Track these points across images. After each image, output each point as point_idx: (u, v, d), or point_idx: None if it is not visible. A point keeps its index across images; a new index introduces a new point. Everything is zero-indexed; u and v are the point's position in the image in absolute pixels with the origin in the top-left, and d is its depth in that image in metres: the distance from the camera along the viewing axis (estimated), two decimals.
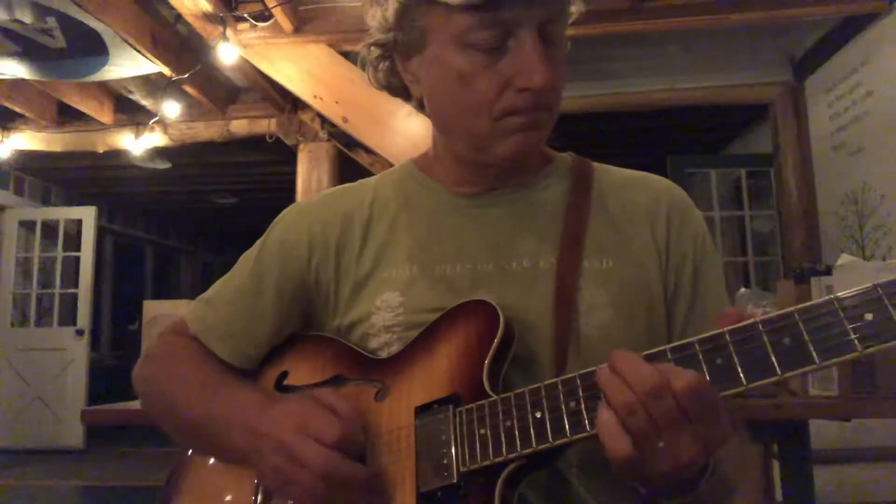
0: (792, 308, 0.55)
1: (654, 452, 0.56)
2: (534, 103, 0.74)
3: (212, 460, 0.86)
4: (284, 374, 0.85)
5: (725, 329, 0.57)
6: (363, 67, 0.87)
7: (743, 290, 2.21)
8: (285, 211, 0.92)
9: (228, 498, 0.81)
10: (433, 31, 0.75)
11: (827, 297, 0.54)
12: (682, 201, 0.86)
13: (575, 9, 0.77)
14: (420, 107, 0.87)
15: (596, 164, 0.89)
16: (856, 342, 0.52)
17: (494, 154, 0.78)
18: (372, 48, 0.84)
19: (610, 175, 0.89)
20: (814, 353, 0.54)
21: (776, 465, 2.24)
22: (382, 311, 0.80)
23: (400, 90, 0.86)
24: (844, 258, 1.91)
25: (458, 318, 0.75)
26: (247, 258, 0.90)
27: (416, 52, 0.79)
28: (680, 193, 0.87)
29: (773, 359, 0.55)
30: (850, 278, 1.75)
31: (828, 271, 1.87)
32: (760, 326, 0.56)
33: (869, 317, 0.52)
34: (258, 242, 0.91)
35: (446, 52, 0.75)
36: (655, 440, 0.56)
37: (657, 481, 0.59)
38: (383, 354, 0.79)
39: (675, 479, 0.58)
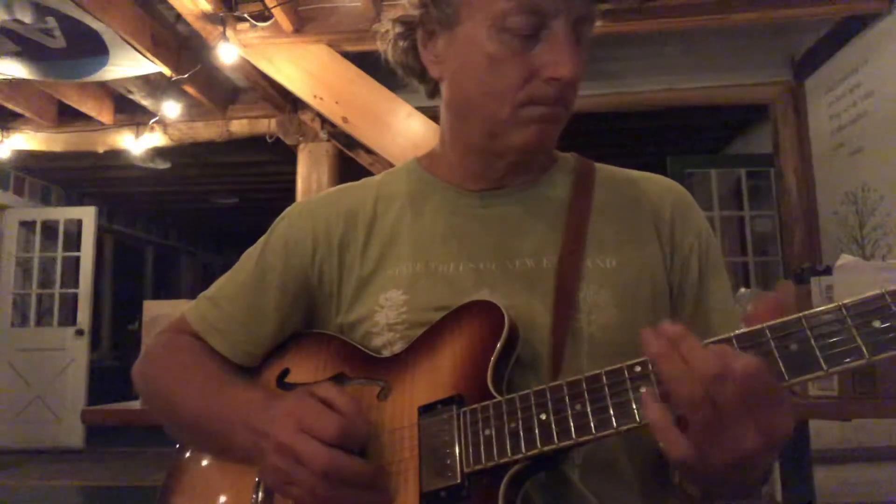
0: (799, 314, 0.55)
1: (716, 444, 0.54)
2: (557, 95, 0.74)
3: (211, 458, 0.86)
4: (286, 373, 0.85)
5: (733, 335, 0.57)
6: (379, 42, 0.87)
7: (743, 290, 2.21)
8: (289, 209, 0.92)
9: (228, 496, 0.80)
10: (469, 9, 0.75)
11: (834, 304, 0.54)
12: (684, 200, 0.86)
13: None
14: (432, 91, 0.87)
15: (598, 164, 0.90)
16: (863, 349, 0.52)
17: (508, 142, 0.78)
18: (396, 24, 0.84)
19: (612, 174, 0.89)
20: (821, 360, 0.53)
21: (776, 465, 2.24)
22: (386, 309, 0.80)
23: (414, 70, 0.86)
24: (844, 258, 1.91)
25: (463, 317, 0.75)
26: (250, 255, 0.90)
27: (445, 29, 0.79)
28: (682, 192, 0.87)
29: (781, 365, 0.55)
30: (850, 278, 1.75)
31: (828, 271, 1.87)
32: (768, 333, 0.56)
33: (877, 324, 0.52)
34: (261, 240, 0.90)
35: (480, 33, 0.75)
36: (718, 431, 0.53)
37: (718, 476, 0.57)
38: (386, 353, 0.79)
39: (738, 472, 0.56)
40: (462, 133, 0.84)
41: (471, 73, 0.77)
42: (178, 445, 0.90)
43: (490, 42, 0.74)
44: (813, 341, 0.54)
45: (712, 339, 0.58)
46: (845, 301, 0.53)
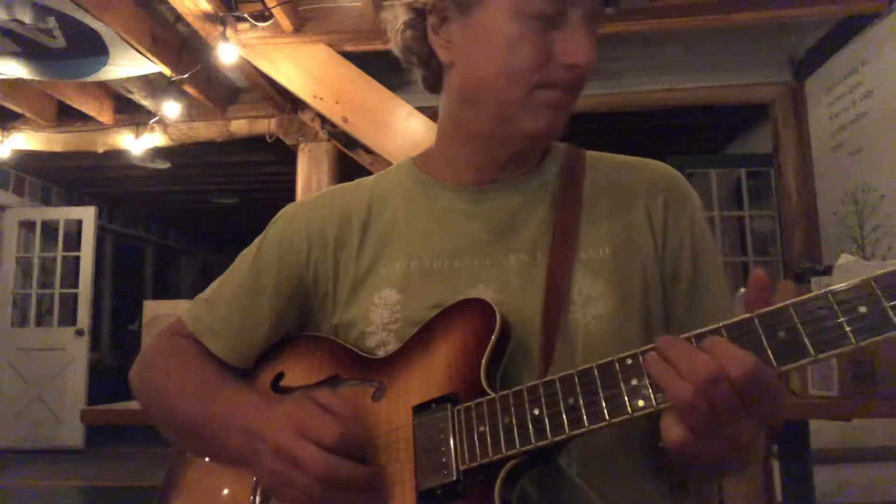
0: (787, 302, 0.55)
1: (714, 437, 0.56)
2: (573, 82, 0.75)
3: (209, 460, 0.86)
4: (281, 376, 0.85)
5: (722, 325, 0.57)
6: (384, 28, 0.86)
7: (743, 290, 2.21)
8: (283, 210, 0.92)
9: (227, 497, 0.81)
10: None
11: (821, 291, 0.55)
12: (679, 184, 0.85)
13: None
14: (433, 83, 0.86)
15: (589, 152, 0.89)
16: (850, 335, 0.52)
17: (520, 127, 0.77)
18: (406, 9, 0.83)
19: (604, 161, 0.88)
20: (809, 347, 0.54)
21: (776, 465, 2.24)
22: (381, 309, 0.80)
23: (421, 57, 0.85)
24: (844, 258, 1.91)
25: (455, 316, 0.75)
26: (244, 257, 0.90)
27: (460, 14, 0.78)
28: (677, 176, 0.86)
29: (770, 352, 0.55)
30: (849, 278, 1.74)
31: (828, 271, 1.87)
32: (756, 320, 0.56)
33: (863, 310, 0.53)
34: (256, 241, 0.90)
35: (499, 17, 0.75)
36: (715, 427, 0.55)
37: (711, 463, 0.59)
38: (380, 353, 0.79)
39: (729, 458, 0.58)
40: (468, 121, 0.82)
41: (487, 54, 0.76)
42: (175, 448, 0.90)
43: (508, 25, 0.74)
44: (801, 328, 0.54)
45: (702, 330, 0.58)
46: (832, 288, 0.54)
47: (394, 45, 0.86)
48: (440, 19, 0.80)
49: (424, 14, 0.82)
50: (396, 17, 0.84)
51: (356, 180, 0.93)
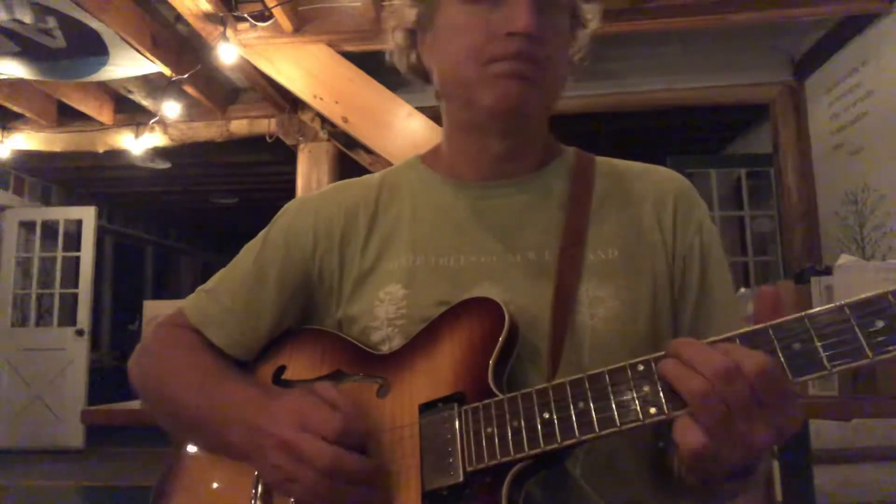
0: (802, 314, 0.55)
1: (728, 440, 0.55)
2: (518, 50, 0.76)
3: (208, 455, 0.84)
4: (282, 369, 0.84)
5: (735, 334, 0.57)
6: (384, 28, 0.90)
7: (743, 290, 2.21)
8: (289, 203, 0.92)
9: (227, 491, 0.80)
10: None
11: (837, 304, 0.54)
12: (687, 192, 0.86)
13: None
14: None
15: (598, 157, 0.90)
16: (866, 349, 0.52)
17: (482, 104, 0.78)
18: (399, 33, 0.88)
19: (613, 166, 0.89)
20: (824, 360, 0.53)
21: (776, 465, 2.24)
22: (386, 304, 0.79)
23: (424, 73, 0.89)
24: (844, 258, 1.91)
25: (462, 314, 0.74)
26: (249, 249, 0.90)
27: (430, 24, 0.84)
28: (686, 184, 0.87)
29: (785, 364, 0.55)
30: (849, 278, 1.75)
31: (828, 271, 1.87)
32: (771, 332, 0.56)
33: (880, 324, 0.52)
34: (261, 233, 0.90)
35: (450, 11, 0.80)
36: (729, 427, 0.55)
37: (724, 471, 0.58)
38: (384, 349, 0.78)
39: (744, 465, 0.58)
40: (451, 114, 0.87)
41: (445, 47, 0.81)
42: (174, 443, 0.89)
43: (456, 15, 0.79)
44: (816, 341, 0.54)
45: (716, 339, 0.58)
46: (848, 300, 0.53)
47: (402, 70, 0.91)
48: (423, 34, 0.85)
49: (415, 32, 0.87)
50: (399, 43, 0.89)
51: (362, 176, 0.94)
